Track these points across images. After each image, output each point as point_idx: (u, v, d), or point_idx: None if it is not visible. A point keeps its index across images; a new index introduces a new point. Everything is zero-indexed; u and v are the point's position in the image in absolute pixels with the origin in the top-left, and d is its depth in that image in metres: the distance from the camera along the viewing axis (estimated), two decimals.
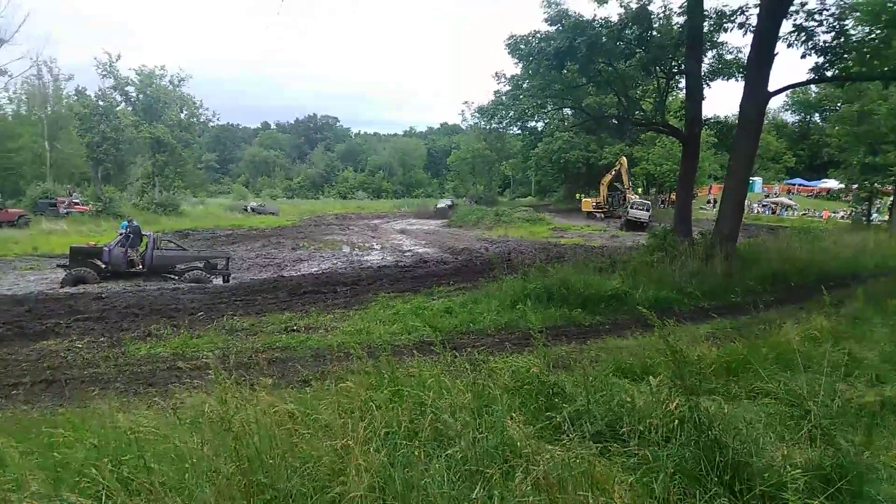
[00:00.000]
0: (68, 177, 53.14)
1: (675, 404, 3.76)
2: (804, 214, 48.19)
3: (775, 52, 14.63)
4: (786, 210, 51.71)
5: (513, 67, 25.08)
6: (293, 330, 9.68)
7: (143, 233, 17.99)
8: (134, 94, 52.16)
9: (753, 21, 15.81)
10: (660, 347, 5.01)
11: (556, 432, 3.93)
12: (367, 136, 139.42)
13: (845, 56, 15.15)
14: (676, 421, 3.67)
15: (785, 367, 5.30)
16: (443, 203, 59.77)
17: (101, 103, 48.47)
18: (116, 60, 50.49)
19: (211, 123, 62.86)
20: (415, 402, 4.13)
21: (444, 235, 34.60)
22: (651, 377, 4.44)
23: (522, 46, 17.03)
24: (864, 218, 39.48)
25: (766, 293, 10.56)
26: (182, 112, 54.53)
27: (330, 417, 3.88)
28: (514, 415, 3.85)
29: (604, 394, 4.33)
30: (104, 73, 49.52)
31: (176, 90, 53.91)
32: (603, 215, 47.81)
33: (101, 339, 9.51)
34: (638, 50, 17.35)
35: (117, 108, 50.30)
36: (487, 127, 56.44)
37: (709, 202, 56.60)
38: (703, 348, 5.87)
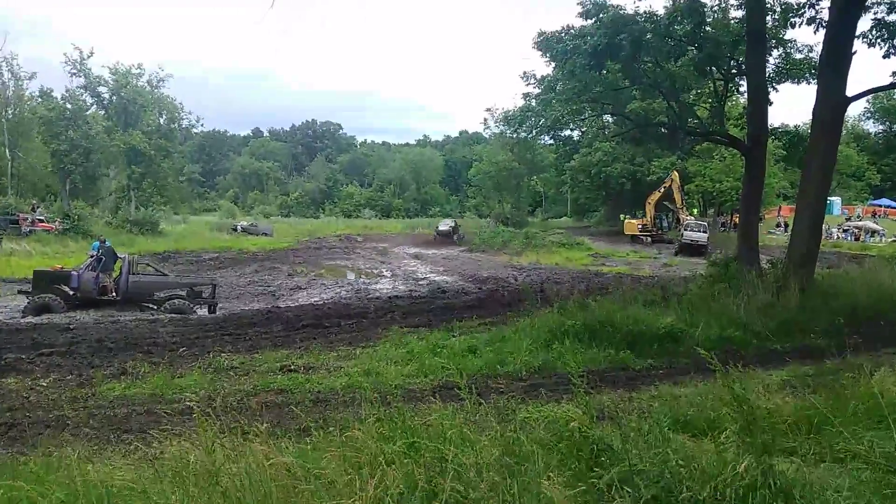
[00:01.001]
0: (32, 190, 53.70)
1: (744, 466, 3.70)
2: (894, 241, 47.31)
3: (853, 51, 14.62)
4: (871, 236, 50.78)
5: (544, 67, 25.22)
6: (290, 370, 9.77)
7: (117, 255, 18.33)
8: (107, 96, 53.11)
9: (825, 15, 15.85)
10: (724, 397, 4.93)
11: (601, 497, 3.87)
12: (375, 146, 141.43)
13: None
14: (746, 486, 3.60)
15: (878, 424, 5.17)
16: (444, 225, 58.17)
17: (68, 106, 49.18)
18: (88, 57, 51.19)
19: (195, 130, 64.37)
20: (433, 456, 4.10)
21: (465, 261, 34.94)
22: (715, 433, 4.37)
23: (555, 45, 17.22)
24: None
25: (851, 333, 10.37)
26: (161, 117, 55.55)
27: (334, 473, 3.88)
28: (551, 475, 3.83)
29: (658, 452, 4.25)
30: (74, 70, 50.26)
31: (154, 92, 54.97)
32: (650, 239, 47.74)
33: (69, 377, 9.63)
34: (690, 48, 17.45)
35: (87, 112, 51.28)
36: (514, 136, 56.14)
37: (778, 226, 56.01)
38: (778, 399, 5.77)
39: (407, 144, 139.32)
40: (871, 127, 78.27)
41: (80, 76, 50.69)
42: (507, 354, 10.05)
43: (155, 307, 17.42)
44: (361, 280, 25.42)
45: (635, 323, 10.81)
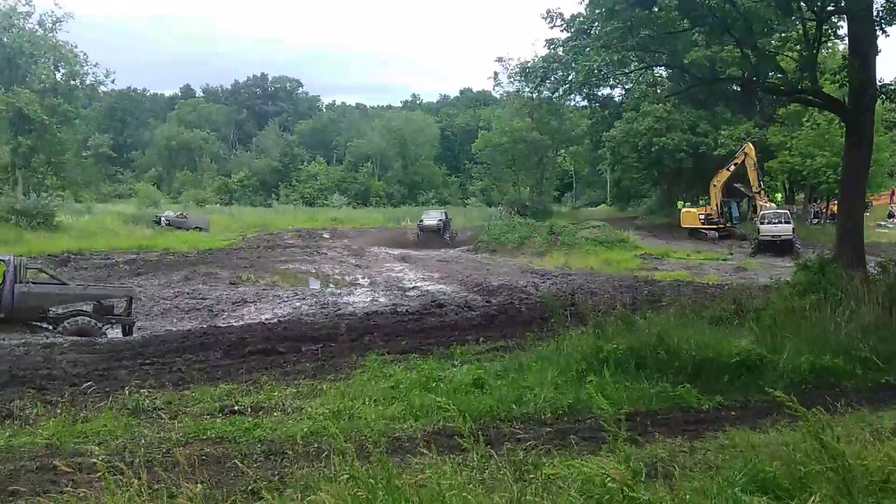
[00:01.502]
0: None
1: None
2: None
3: None
4: None
5: (574, 3, 24.90)
6: (234, 411, 9.70)
7: None
8: None
9: None
10: (816, 448, 4.92)
11: None
12: (347, 110, 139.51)
13: None
14: None
15: None
16: (430, 218, 56.61)
17: None
18: None
19: (103, 88, 62.91)
20: None
21: (468, 265, 35.11)
22: (804, 495, 4.38)
23: None
24: None
25: None
26: (58, 71, 54.68)
27: None
28: None
29: None
30: None
31: (49, 37, 54.10)
32: (716, 233, 47.78)
33: None
34: None
35: None
36: (535, 96, 56.12)
37: (891, 216, 55.43)
38: (890, 450, 5.74)
39: (390, 107, 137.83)
40: None
41: None
42: (525, 390, 9.96)
43: (51, 327, 17.35)
44: (329, 290, 25.56)
45: (698, 348, 10.71)
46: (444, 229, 54.66)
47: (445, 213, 60.23)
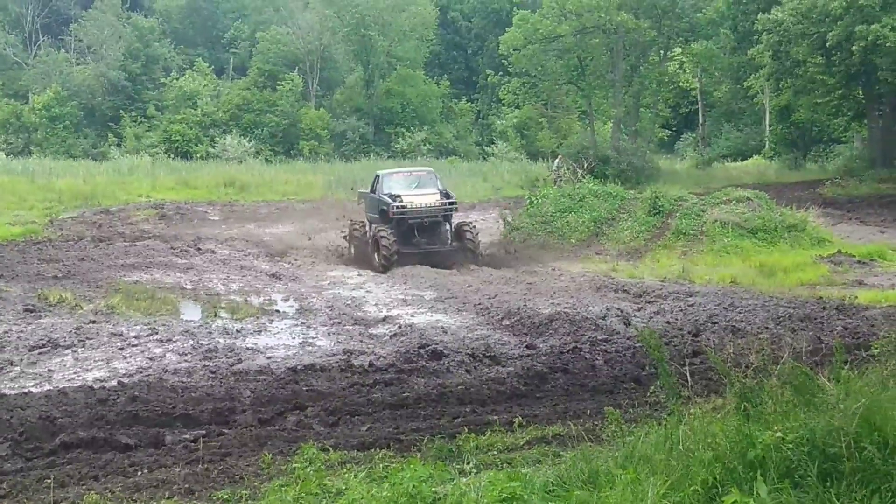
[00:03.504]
0: None
1: None
2: None
3: None
4: None
5: None
6: None
7: None
8: None
9: None
10: None
11: None
12: None
13: None
14: None
15: None
16: (414, 187, 24.31)
17: None
18: None
19: None
20: None
21: (489, 273, 22.04)
22: None
23: None
24: None
25: None
26: None
27: None
28: None
29: None
30: None
31: None
32: None
33: None
34: None
35: None
36: None
37: None
38: None
39: None
40: None
41: None
42: None
43: None
44: (220, 324, 15.87)
45: None
46: (454, 229, 24.07)
47: (436, 178, 25.48)
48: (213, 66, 68.89)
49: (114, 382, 11.44)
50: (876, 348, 9.16)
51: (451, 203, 23.91)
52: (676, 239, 25.90)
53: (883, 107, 41.88)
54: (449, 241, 23.69)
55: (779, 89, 44.37)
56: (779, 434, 6.82)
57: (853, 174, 41.25)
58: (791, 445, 6.75)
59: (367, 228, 24.73)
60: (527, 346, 13.95)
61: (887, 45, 33.39)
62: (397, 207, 22.67)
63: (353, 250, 24.96)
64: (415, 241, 23.24)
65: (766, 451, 6.77)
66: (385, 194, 23.51)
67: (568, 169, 40.31)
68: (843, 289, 19.77)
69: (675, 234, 26.04)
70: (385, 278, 22.03)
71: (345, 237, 25.79)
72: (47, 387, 11.34)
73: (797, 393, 7.54)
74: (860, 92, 41.11)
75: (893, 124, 42.26)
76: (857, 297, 18.38)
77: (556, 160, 43.30)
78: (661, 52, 49.45)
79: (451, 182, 38.17)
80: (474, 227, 24.32)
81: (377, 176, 24.93)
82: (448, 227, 23.96)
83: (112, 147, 57.77)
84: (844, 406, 7.03)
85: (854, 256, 23.85)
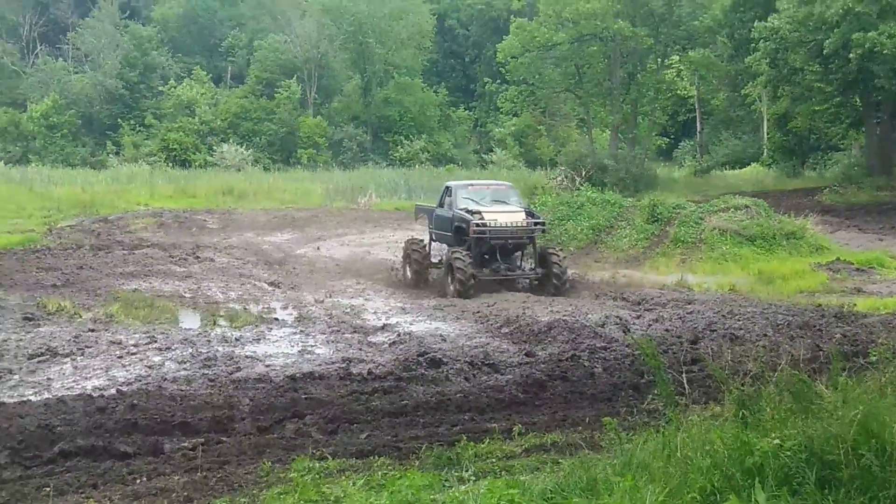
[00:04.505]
0: None
1: None
2: None
3: None
4: None
5: None
6: None
7: None
8: None
9: None
10: None
11: None
12: None
13: None
14: None
15: None
16: (496, 203, 21.68)
17: None
18: None
19: None
20: None
21: (488, 282, 21.26)
22: None
23: None
24: None
25: None
26: None
27: None
28: None
29: None
30: None
31: None
32: None
33: None
34: None
35: None
36: None
37: None
38: None
39: None
40: None
41: None
42: None
43: None
44: (219, 333, 16.03)
45: None
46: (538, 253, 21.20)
47: (517, 193, 23.30)
48: (210, 75, 68.81)
49: (113, 391, 11.40)
50: (874, 356, 9.24)
51: (537, 223, 21.18)
52: (675, 247, 25.82)
53: (880, 114, 41.27)
54: (534, 268, 21.10)
55: (776, 97, 44.39)
56: (777, 441, 6.85)
57: (851, 181, 41.18)
58: (789, 452, 6.76)
59: (429, 249, 22.33)
60: (525, 354, 13.89)
61: (884, 52, 33.30)
62: (478, 225, 19.83)
63: (409, 273, 21.90)
64: (495, 266, 20.71)
65: (764, 458, 6.77)
66: (460, 209, 20.66)
67: (568, 177, 40.56)
68: (841, 296, 19.72)
69: (674, 242, 26.03)
70: (383, 285, 21.77)
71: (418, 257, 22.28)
72: (46, 395, 11.29)
73: (795, 400, 7.55)
74: (857, 99, 41.22)
75: (891, 132, 42.30)
76: (855, 305, 18.39)
77: (558, 169, 44.07)
78: (659, 59, 49.64)
79: None
80: (561, 252, 21.49)
81: (448, 188, 22.03)
82: (533, 250, 21.31)
83: (110, 156, 57.76)
84: (842, 413, 7.04)
85: (852, 264, 23.77)
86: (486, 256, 20.66)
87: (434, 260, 21.74)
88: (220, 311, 18.17)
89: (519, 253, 21.25)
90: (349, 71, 66.64)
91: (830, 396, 7.55)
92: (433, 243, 22.33)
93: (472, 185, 23.20)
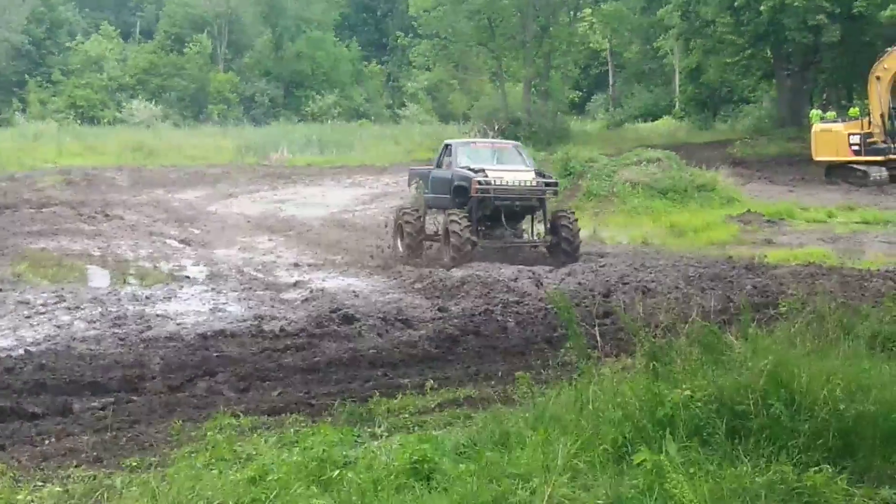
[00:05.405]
0: None
1: None
2: None
3: None
4: None
5: None
6: None
7: None
8: None
9: None
10: None
11: None
12: None
13: None
14: None
15: None
16: (501, 163, 20.23)
17: None
18: None
19: None
20: None
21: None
22: None
23: None
24: None
25: None
26: None
27: None
28: None
29: None
30: None
31: None
32: (884, 171, 30.97)
33: None
34: None
35: None
36: None
37: None
38: None
39: None
40: None
41: None
42: (514, 483, 6.32)
43: None
44: (129, 291, 15.55)
45: (850, 397, 7.05)
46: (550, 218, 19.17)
47: (526, 153, 20.98)
48: (119, 30, 67.34)
49: (20, 351, 11.09)
50: (784, 307, 9.33)
51: (549, 184, 19.00)
52: (588, 200, 26.32)
53: (791, 66, 42.56)
54: (543, 235, 18.97)
55: (688, 50, 45.84)
56: (687, 392, 6.85)
57: (762, 134, 42.67)
58: (699, 403, 6.77)
59: (424, 217, 19.79)
60: (439, 310, 13.71)
61: (794, 4, 34.36)
62: (480, 183, 17.65)
63: (400, 246, 19.62)
64: (499, 231, 18.57)
65: (674, 409, 6.77)
66: (460, 167, 18.46)
67: (482, 132, 40.00)
68: (752, 248, 20.30)
69: (587, 196, 26.51)
70: (295, 241, 21.68)
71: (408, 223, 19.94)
72: None
73: (706, 351, 7.56)
74: (768, 52, 41.87)
75: (802, 84, 43.08)
76: (766, 256, 18.90)
77: (473, 123, 44.47)
78: (571, 12, 49.55)
79: (361, 145, 39.49)
80: (573, 215, 19.16)
81: (447, 146, 19.84)
82: (543, 215, 19.01)
83: (16, 113, 55.90)
84: (752, 364, 7.09)
85: (763, 215, 24.33)
86: (490, 223, 18.65)
87: (430, 231, 19.75)
88: (130, 270, 18.00)
89: (542, 217, 19.13)
90: (260, 25, 65.17)
91: (740, 347, 7.59)
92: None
93: (474, 142, 22.66)
